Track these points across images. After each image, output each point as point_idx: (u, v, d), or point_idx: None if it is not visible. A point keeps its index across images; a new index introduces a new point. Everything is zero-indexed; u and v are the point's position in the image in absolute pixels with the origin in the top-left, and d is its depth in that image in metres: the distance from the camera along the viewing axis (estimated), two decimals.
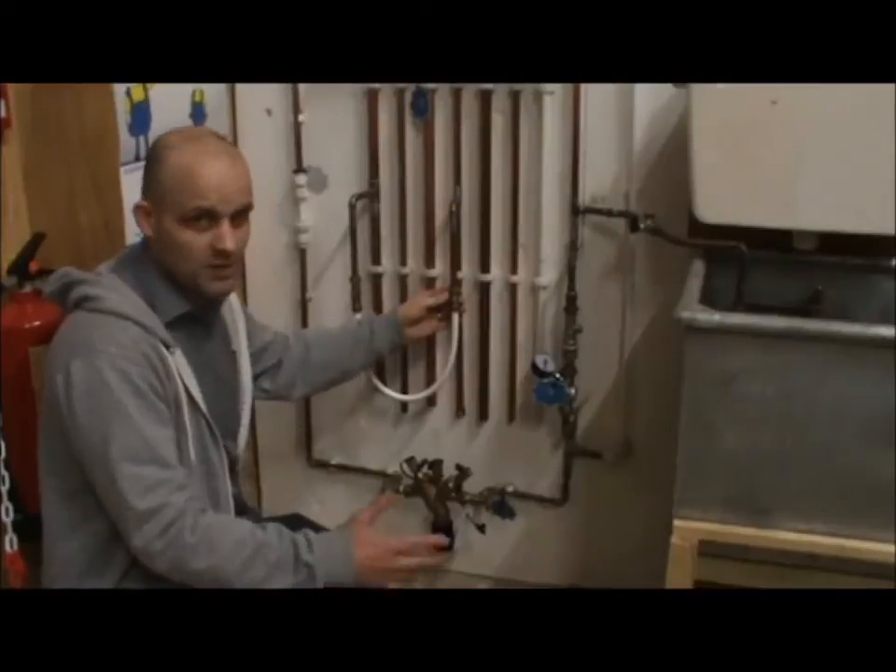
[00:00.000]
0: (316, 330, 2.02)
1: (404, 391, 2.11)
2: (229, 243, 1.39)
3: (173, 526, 1.32)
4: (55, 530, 1.41)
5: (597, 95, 1.83)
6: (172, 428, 1.37)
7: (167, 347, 1.38)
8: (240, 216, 1.43)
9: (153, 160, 1.42)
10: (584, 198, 1.89)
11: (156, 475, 1.32)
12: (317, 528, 1.70)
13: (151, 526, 1.31)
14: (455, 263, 1.97)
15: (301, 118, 2.01)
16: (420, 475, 2.10)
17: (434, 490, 2.11)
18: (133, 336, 1.34)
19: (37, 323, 1.59)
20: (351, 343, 1.86)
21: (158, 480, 1.32)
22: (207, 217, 1.38)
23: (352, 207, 1.97)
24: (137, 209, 1.43)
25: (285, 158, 2.04)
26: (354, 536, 1.44)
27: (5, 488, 1.49)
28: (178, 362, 1.39)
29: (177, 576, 1.34)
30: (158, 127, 1.72)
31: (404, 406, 2.14)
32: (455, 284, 1.98)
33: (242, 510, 1.57)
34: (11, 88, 1.61)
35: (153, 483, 1.32)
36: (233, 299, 1.62)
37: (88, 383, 1.30)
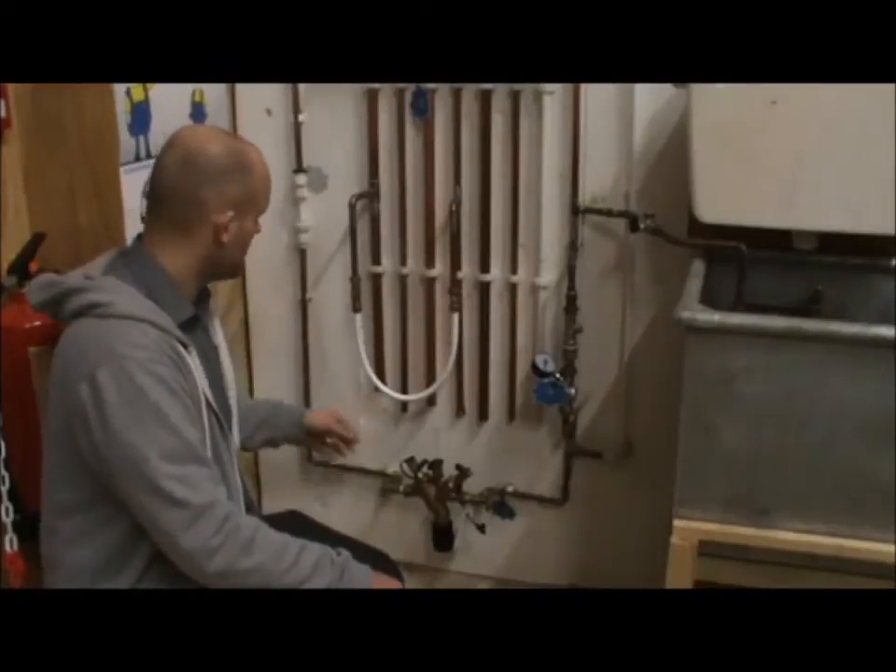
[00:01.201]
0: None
1: (404, 391, 2.11)
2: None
3: (228, 521, 1.31)
4: (63, 539, 1.38)
5: (597, 95, 1.83)
6: (199, 429, 1.37)
7: (184, 346, 1.37)
8: None
9: (240, 169, 1.42)
10: (584, 198, 1.89)
11: (198, 473, 1.32)
12: (315, 526, 1.71)
13: (206, 523, 1.29)
14: (455, 263, 1.97)
15: (301, 118, 2.01)
16: (420, 475, 2.10)
17: (434, 490, 2.11)
18: (153, 338, 1.32)
19: (37, 323, 1.58)
20: (254, 425, 1.78)
21: (201, 477, 1.32)
22: None
23: (352, 207, 1.97)
24: (224, 222, 1.41)
25: (285, 158, 2.04)
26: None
27: (5, 488, 1.49)
28: (194, 361, 1.39)
29: (223, 580, 1.32)
30: (158, 127, 1.72)
31: (404, 406, 2.15)
32: (455, 284, 1.98)
33: (248, 505, 1.57)
34: (11, 88, 1.61)
35: (197, 480, 1.31)
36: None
37: (120, 390, 1.27)
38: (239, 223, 1.43)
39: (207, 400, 1.40)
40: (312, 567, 1.36)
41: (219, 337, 1.62)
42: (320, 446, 1.89)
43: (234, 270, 1.54)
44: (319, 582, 1.36)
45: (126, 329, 1.31)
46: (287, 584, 1.34)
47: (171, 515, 1.29)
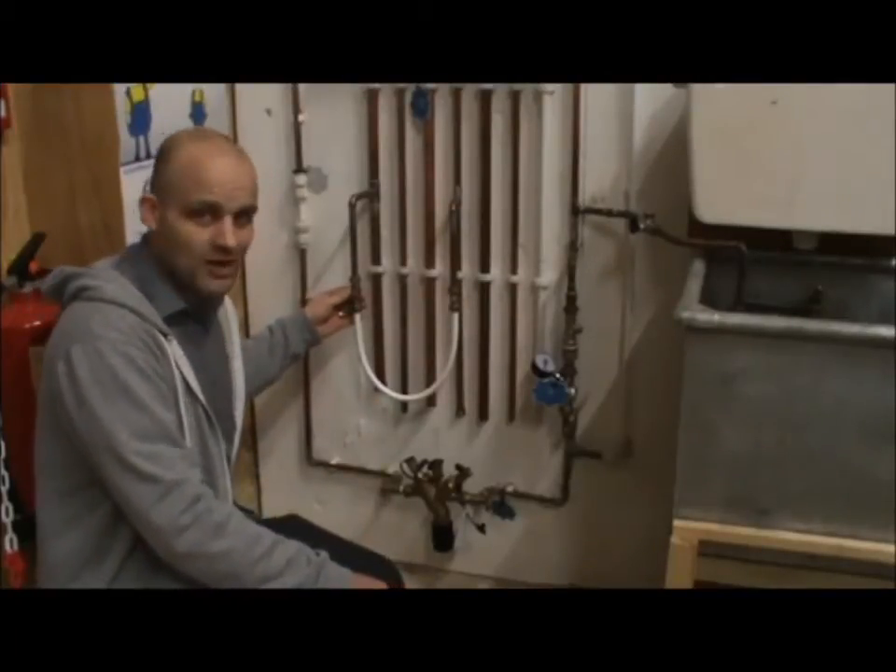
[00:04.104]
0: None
1: (404, 391, 2.11)
2: (229, 239, 1.42)
3: (200, 502, 1.32)
4: (50, 527, 1.41)
5: (597, 95, 1.83)
6: (174, 413, 1.38)
7: (164, 335, 1.39)
8: (244, 216, 1.46)
9: (162, 154, 1.45)
10: (584, 198, 1.89)
11: (169, 452, 1.33)
12: (315, 530, 1.71)
13: (175, 500, 1.31)
14: (455, 263, 1.97)
15: (301, 118, 2.01)
16: (420, 475, 2.10)
17: (434, 490, 2.11)
18: (130, 323, 1.35)
19: (37, 323, 1.59)
20: (268, 351, 1.87)
21: (172, 456, 1.33)
22: (211, 213, 1.41)
23: (352, 207, 1.97)
24: (144, 201, 1.45)
25: (285, 158, 2.04)
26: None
27: (5, 488, 1.50)
28: (175, 351, 1.40)
29: (192, 562, 1.34)
30: (158, 127, 1.72)
31: (404, 406, 2.15)
32: (455, 284, 1.98)
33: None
34: (11, 88, 1.61)
35: (168, 459, 1.32)
36: (228, 303, 1.63)
37: (91, 367, 1.31)
38: (162, 212, 1.43)
39: (190, 390, 1.41)
40: (285, 563, 1.36)
41: (235, 348, 1.63)
42: (337, 324, 2.00)
43: (187, 277, 1.43)
44: (292, 579, 1.36)
45: (106, 312, 1.35)
46: (258, 576, 1.34)
47: (140, 490, 1.31)
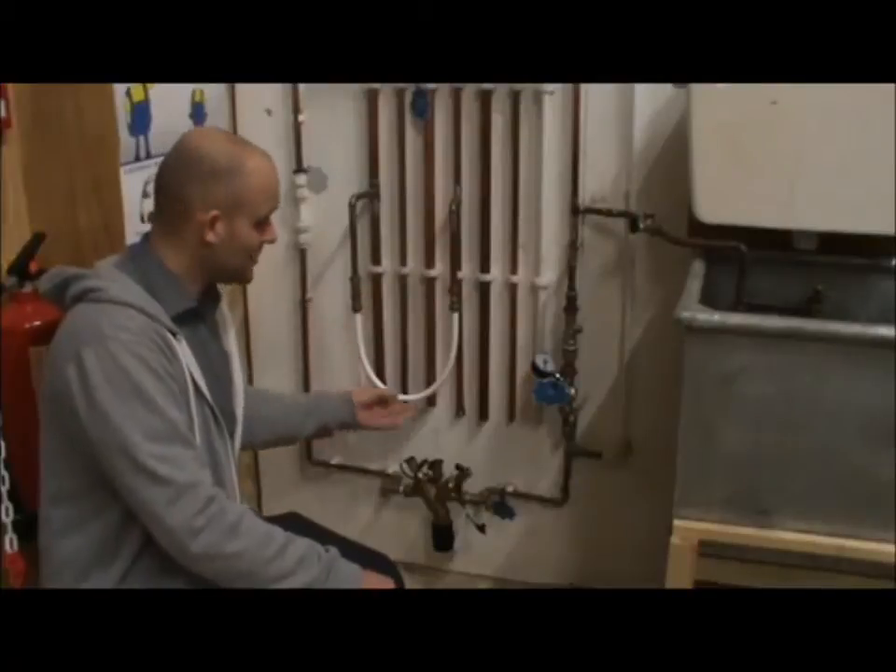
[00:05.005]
0: (274, 391, 1.93)
1: (404, 391, 2.11)
2: (278, 235, 1.56)
3: (213, 503, 1.33)
4: (56, 527, 1.40)
5: (597, 95, 1.83)
6: (185, 413, 1.38)
7: (173, 335, 1.39)
8: None
9: (223, 171, 1.41)
10: (584, 198, 1.89)
11: (182, 454, 1.33)
12: (315, 528, 1.71)
13: (189, 501, 1.31)
14: (455, 263, 1.97)
15: (300, 118, 2.01)
16: (420, 475, 2.10)
17: (434, 490, 2.11)
18: (139, 323, 1.35)
19: (37, 323, 1.58)
20: (303, 411, 1.80)
21: (185, 458, 1.33)
22: (268, 217, 1.50)
23: (352, 207, 1.97)
24: (206, 220, 1.41)
25: (285, 158, 2.04)
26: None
27: (5, 488, 1.49)
28: (184, 350, 1.40)
29: (208, 563, 1.34)
30: (158, 127, 1.72)
31: None
32: (455, 284, 1.98)
33: None
34: (11, 88, 1.61)
35: (182, 460, 1.32)
36: (223, 302, 1.63)
37: (104, 369, 1.30)
38: (228, 225, 1.43)
39: (198, 389, 1.41)
40: (297, 561, 1.37)
41: (232, 345, 1.63)
42: (376, 420, 1.83)
43: (237, 274, 1.53)
44: (304, 577, 1.36)
45: (114, 313, 1.34)
46: (272, 575, 1.35)
47: (154, 492, 1.30)
